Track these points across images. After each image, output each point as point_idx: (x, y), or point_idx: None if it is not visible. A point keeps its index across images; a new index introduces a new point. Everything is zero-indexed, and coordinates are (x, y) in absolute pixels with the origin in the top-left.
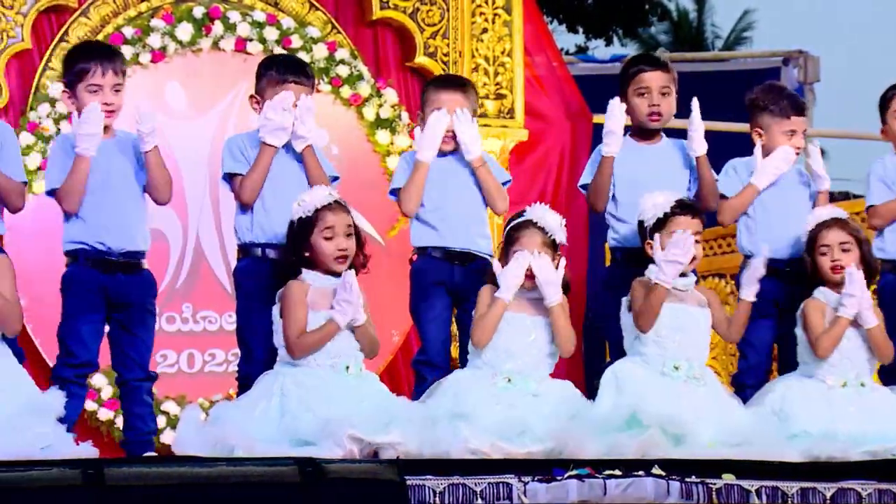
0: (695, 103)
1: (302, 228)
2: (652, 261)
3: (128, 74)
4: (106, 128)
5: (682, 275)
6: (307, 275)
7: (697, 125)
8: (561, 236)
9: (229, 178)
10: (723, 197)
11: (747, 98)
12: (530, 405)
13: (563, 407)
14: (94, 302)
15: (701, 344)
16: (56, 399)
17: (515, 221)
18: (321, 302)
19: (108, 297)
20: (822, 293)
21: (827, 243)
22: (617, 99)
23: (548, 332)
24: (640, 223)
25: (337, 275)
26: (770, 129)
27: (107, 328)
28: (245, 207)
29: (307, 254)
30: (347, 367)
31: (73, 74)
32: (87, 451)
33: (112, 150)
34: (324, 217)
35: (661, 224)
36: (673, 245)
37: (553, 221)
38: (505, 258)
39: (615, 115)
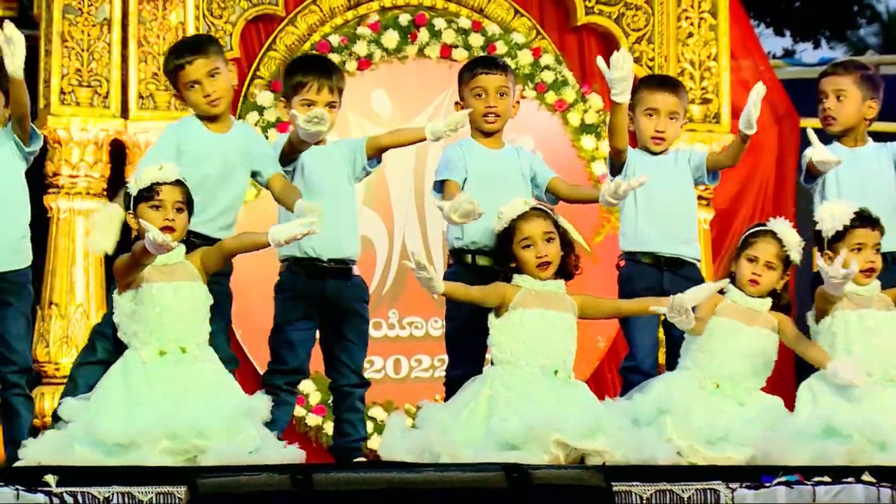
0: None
1: (502, 241)
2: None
3: None
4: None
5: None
6: (518, 278)
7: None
8: (795, 256)
9: (441, 185)
10: None
11: None
12: (735, 413)
13: (766, 416)
14: (304, 309)
15: (892, 346)
16: (262, 402)
17: (756, 228)
18: (532, 301)
19: (320, 303)
20: None
21: None
22: None
23: (765, 344)
24: (818, 232)
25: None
26: None
27: (318, 334)
28: None
29: (512, 264)
30: (556, 372)
31: (290, 87)
32: (294, 453)
33: (325, 158)
34: (519, 228)
35: (840, 236)
36: (837, 269)
37: (792, 238)
38: (736, 262)
39: None
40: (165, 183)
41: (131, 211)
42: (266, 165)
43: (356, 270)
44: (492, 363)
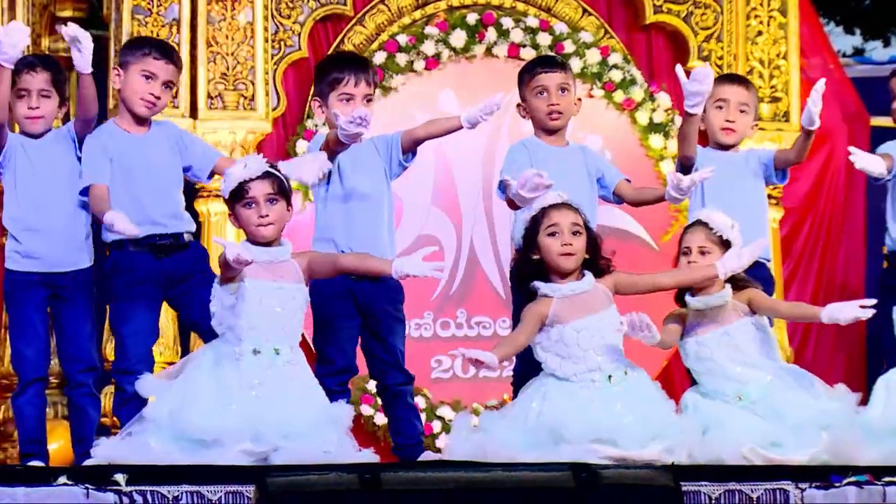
0: None
1: (530, 229)
2: None
3: (402, 82)
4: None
5: None
6: (546, 288)
7: None
8: (731, 235)
9: (505, 184)
10: None
11: None
12: (775, 416)
13: (818, 420)
14: (346, 308)
15: None
16: (345, 411)
17: (686, 225)
18: (567, 312)
19: (357, 302)
20: None
21: None
22: None
23: (750, 334)
24: None
25: (571, 277)
26: None
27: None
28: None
29: (536, 256)
30: (609, 377)
31: (326, 84)
32: (368, 458)
33: (361, 158)
34: (548, 215)
35: None
36: None
37: (720, 220)
38: (676, 260)
39: None
40: (252, 179)
41: (231, 211)
42: (205, 155)
43: None
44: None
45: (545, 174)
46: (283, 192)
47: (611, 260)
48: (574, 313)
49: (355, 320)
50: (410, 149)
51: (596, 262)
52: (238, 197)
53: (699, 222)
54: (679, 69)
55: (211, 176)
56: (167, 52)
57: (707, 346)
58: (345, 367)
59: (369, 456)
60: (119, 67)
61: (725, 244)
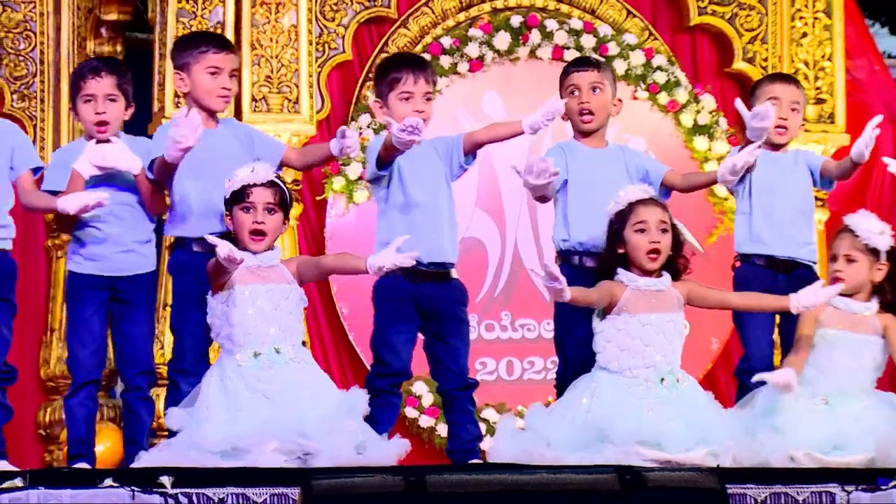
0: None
1: (616, 223)
2: None
3: (446, 84)
4: (412, 142)
5: None
6: (623, 275)
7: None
8: (878, 242)
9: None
10: None
11: None
12: (851, 423)
13: (884, 425)
14: (405, 311)
15: None
16: (360, 398)
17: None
18: (639, 304)
19: (419, 306)
20: None
21: None
22: None
23: (872, 352)
24: None
25: (651, 274)
26: None
27: (421, 337)
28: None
29: (621, 250)
30: (662, 380)
31: (385, 84)
32: (399, 444)
33: (422, 160)
34: (636, 211)
35: None
36: None
37: (868, 226)
38: (829, 266)
39: None
40: (256, 185)
41: (228, 212)
42: (273, 147)
43: (454, 274)
44: (597, 364)
45: (550, 160)
46: (282, 203)
47: (689, 261)
48: (644, 307)
49: (414, 324)
50: (471, 151)
51: (675, 261)
52: (238, 199)
53: (846, 229)
54: (739, 103)
55: (280, 167)
56: (224, 43)
57: (830, 342)
58: (399, 371)
59: (399, 441)
60: (179, 70)
61: (872, 252)
